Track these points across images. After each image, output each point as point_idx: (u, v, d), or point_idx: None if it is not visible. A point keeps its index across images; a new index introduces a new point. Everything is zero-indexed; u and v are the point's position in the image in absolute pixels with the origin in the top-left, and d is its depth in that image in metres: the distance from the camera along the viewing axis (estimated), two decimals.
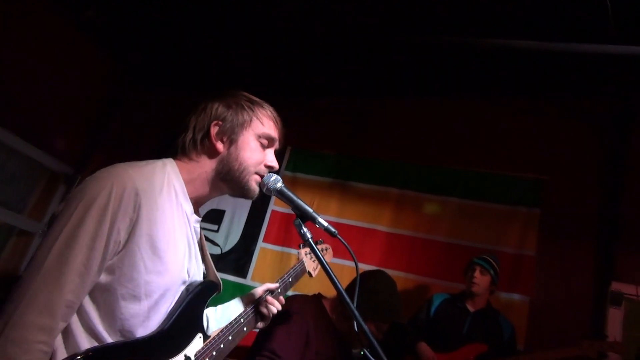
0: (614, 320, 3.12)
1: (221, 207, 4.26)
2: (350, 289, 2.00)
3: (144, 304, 1.09)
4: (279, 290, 1.66)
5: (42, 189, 4.48)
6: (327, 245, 2.17)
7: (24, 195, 4.47)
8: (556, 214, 3.47)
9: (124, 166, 1.12)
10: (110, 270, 1.04)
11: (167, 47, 4.36)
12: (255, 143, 1.30)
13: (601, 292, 3.18)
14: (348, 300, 1.15)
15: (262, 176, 1.30)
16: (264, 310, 1.58)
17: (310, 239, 1.23)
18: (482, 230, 3.60)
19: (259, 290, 1.64)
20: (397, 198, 3.88)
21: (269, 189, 1.30)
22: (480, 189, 3.73)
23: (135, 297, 1.07)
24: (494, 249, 3.43)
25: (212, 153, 1.27)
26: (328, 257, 2.08)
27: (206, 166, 1.27)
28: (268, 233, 4.05)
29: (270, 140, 1.34)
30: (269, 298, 1.60)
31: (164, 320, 1.15)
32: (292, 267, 1.84)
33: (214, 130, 1.27)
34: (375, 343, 1.07)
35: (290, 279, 1.78)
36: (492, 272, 3.04)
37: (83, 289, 1.00)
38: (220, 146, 1.26)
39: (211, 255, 4.11)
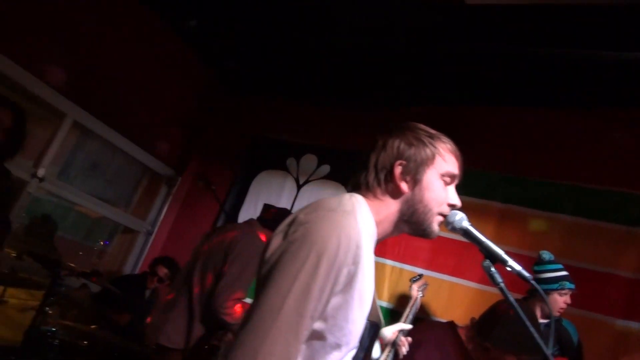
0: None
1: None
2: (488, 320, 1.94)
3: (343, 352, 1.09)
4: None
5: (145, 189, 4.71)
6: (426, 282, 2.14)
7: (128, 194, 4.72)
8: None
9: (345, 212, 1.10)
10: (324, 318, 1.04)
11: (261, 55, 4.45)
12: (439, 182, 1.26)
13: None
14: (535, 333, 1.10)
15: (444, 215, 1.27)
16: (401, 350, 1.57)
17: (502, 284, 1.18)
18: (594, 251, 3.39)
19: (393, 330, 1.63)
20: (499, 213, 3.74)
21: (454, 228, 1.26)
22: (593, 206, 3.51)
23: (339, 346, 1.07)
24: (608, 272, 3.23)
25: (396, 194, 1.24)
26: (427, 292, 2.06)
27: (391, 207, 1.24)
28: None
29: (453, 177, 1.29)
30: (403, 339, 1.59)
31: None
32: (412, 305, 1.84)
33: (397, 170, 1.24)
34: None
35: (411, 317, 1.77)
36: None
37: (305, 338, 1.01)
38: (404, 187, 1.23)
39: None
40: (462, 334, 2.09)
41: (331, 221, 1.05)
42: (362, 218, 1.14)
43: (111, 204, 4.48)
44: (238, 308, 2.45)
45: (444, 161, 1.27)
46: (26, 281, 3.43)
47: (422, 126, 1.34)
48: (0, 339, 3.23)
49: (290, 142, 4.64)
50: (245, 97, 5.05)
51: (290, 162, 4.58)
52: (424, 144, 1.27)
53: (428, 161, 1.25)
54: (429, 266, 3.61)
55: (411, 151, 1.25)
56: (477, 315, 3.36)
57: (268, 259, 1.07)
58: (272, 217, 2.83)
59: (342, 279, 1.03)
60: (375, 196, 1.25)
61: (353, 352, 1.13)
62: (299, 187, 4.47)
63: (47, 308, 2.62)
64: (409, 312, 1.73)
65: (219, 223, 4.53)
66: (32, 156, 3.56)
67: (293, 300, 0.97)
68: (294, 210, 4.36)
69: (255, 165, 4.72)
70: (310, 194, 4.39)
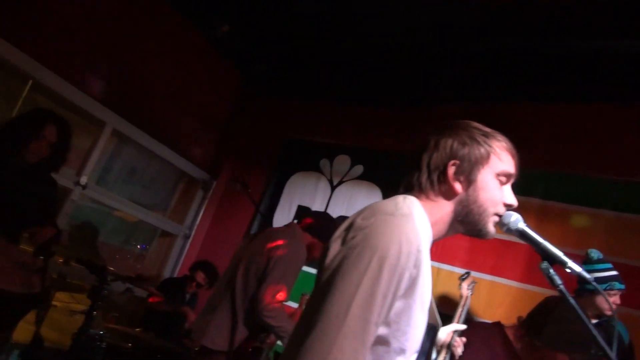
0: None
1: (350, 214, 4.27)
2: (538, 318, 1.90)
3: (407, 357, 1.09)
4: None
5: (181, 193, 4.80)
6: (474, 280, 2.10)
7: (166, 199, 4.82)
8: None
9: (404, 216, 1.08)
10: (387, 324, 1.03)
11: (291, 56, 4.47)
12: (494, 182, 1.22)
13: None
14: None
15: (500, 215, 1.24)
16: (457, 351, 1.55)
17: (562, 286, 1.16)
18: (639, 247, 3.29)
19: (447, 331, 1.60)
20: (539, 209, 3.66)
21: (509, 230, 1.24)
22: (637, 201, 3.41)
23: (403, 351, 1.06)
24: None
25: (450, 194, 1.22)
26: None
27: (445, 208, 1.22)
28: None
29: (509, 177, 1.25)
30: (458, 340, 1.56)
31: None
32: (463, 304, 1.80)
33: (450, 170, 1.21)
34: None
35: (464, 316, 1.74)
36: None
37: (371, 344, 1.00)
38: (458, 187, 1.20)
39: None
40: (510, 333, 2.06)
41: (391, 225, 1.04)
42: (419, 220, 1.12)
43: (149, 208, 4.58)
44: (281, 311, 2.47)
45: (499, 160, 1.23)
46: (72, 286, 3.55)
47: (476, 124, 1.30)
48: (50, 342, 3.34)
49: (323, 143, 4.65)
50: (277, 100, 5.10)
51: (324, 163, 4.59)
52: (478, 143, 1.23)
53: (482, 160, 1.21)
54: (467, 265, 3.56)
55: (465, 150, 1.22)
56: (519, 314, 3.31)
57: (328, 266, 1.06)
58: (313, 221, 2.84)
59: (405, 283, 1.02)
60: (428, 197, 1.23)
61: (415, 356, 1.12)
62: (333, 188, 4.47)
63: (94, 312, 2.69)
64: (461, 311, 1.71)
65: (255, 225, 4.58)
66: (74, 164, 3.67)
67: (358, 306, 0.96)
68: (329, 211, 4.38)
69: (288, 167, 4.75)
70: (344, 194, 4.39)
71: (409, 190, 1.26)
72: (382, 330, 1.02)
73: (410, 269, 1.03)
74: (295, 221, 2.89)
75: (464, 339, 1.60)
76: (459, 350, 1.53)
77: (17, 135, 2.26)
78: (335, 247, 1.09)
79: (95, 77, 3.66)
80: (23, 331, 2.82)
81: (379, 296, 0.98)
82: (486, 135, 1.26)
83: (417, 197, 1.23)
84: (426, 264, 1.09)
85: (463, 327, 1.55)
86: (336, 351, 0.93)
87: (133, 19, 3.81)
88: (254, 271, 2.58)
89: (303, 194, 4.57)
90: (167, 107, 4.27)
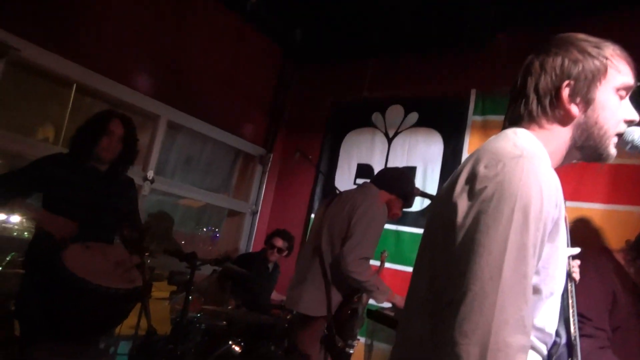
0: None
1: (411, 164, 4.21)
2: None
3: (556, 297, 1.04)
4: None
5: (240, 172, 4.87)
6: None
7: (226, 180, 4.89)
8: None
9: (532, 156, 0.98)
10: (537, 272, 0.97)
11: (323, 19, 4.33)
12: (614, 98, 1.09)
13: None
14: None
15: (621, 134, 1.13)
16: (576, 275, 1.47)
17: None
18: None
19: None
20: None
21: (634, 147, 1.14)
22: None
23: (551, 294, 1.02)
24: None
25: (566, 119, 1.09)
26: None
27: (562, 135, 1.10)
28: None
29: (628, 89, 1.11)
30: (573, 263, 1.47)
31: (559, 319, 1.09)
32: (567, 226, 1.68)
33: (565, 92, 1.08)
34: None
35: (569, 237, 1.62)
36: None
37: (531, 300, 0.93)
38: (575, 110, 1.08)
39: (410, 212, 4.08)
40: (620, 258, 1.97)
41: (524, 169, 0.94)
42: (546, 157, 1.05)
43: (212, 191, 4.68)
44: (366, 266, 2.48)
45: (617, 72, 1.09)
46: (160, 276, 3.71)
47: (582, 35, 1.14)
48: (143, 330, 3.52)
49: (373, 98, 4.54)
50: (319, 65, 5.03)
51: (376, 117, 4.50)
52: (591, 56, 1.08)
53: (599, 75, 1.08)
54: (575, 197, 3.38)
55: (578, 67, 1.08)
56: (609, 236, 3.16)
57: (461, 224, 0.96)
58: (386, 178, 2.81)
59: (549, 227, 0.95)
60: (541, 126, 1.11)
61: (560, 292, 1.06)
62: (390, 140, 4.39)
63: (190, 297, 2.80)
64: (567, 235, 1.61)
65: (318, 190, 4.59)
66: (138, 161, 3.76)
67: (511, 263, 0.89)
68: (389, 164, 4.31)
69: (341, 128, 4.69)
70: (402, 145, 4.30)
71: (517, 122, 1.14)
72: (533, 280, 0.94)
73: (553, 212, 0.95)
74: (370, 181, 2.86)
75: (578, 262, 1.51)
76: (577, 275, 1.46)
77: (88, 136, 2.33)
78: (462, 203, 0.98)
79: (142, 73, 3.70)
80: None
81: (530, 247, 0.90)
82: (598, 45, 1.10)
83: (528, 128, 1.12)
84: (562, 200, 1.01)
85: (577, 250, 1.44)
86: (499, 315, 0.86)
87: (169, 12, 3.83)
88: (337, 234, 2.59)
89: (360, 151, 4.52)
90: (215, 90, 4.29)
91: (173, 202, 5.02)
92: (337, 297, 2.56)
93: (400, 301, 2.49)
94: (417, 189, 2.47)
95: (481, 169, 0.99)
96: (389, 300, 2.52)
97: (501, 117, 3.97)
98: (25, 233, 3.37)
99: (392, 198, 2.74)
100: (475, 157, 1.04)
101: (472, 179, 0.99)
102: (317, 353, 2.52)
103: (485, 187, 0.95)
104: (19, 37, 2.95)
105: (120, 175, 2.49)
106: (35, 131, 3.91)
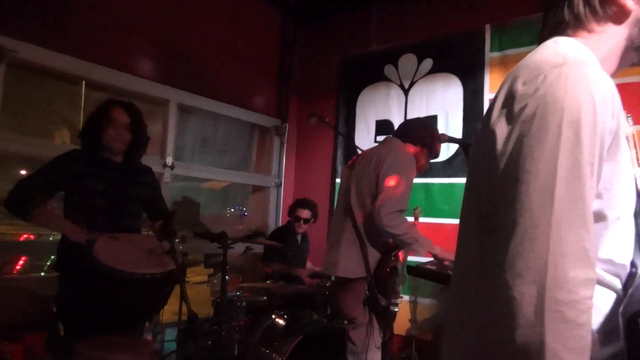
0: None
1: (431, 113, 4.06)
2: None
3: (627, 221, 0.90)
4: None
5: (258, 146, 4.79)
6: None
7: (245, 156, 4.82)
8: None
9: (578, 61, 0.85)
10: (598, 195, 0.84)
11: None
12: None
13: None
14: None
15: None
16: None
17: None
18: None
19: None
20: None
21: None
22: None
23: (619, 219, 0.88)
24: None
25: (620, 16, 0.95)
26: None
27: (616, 36, 0.96)
28: None
29: None
30: None
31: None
32: (634, 144, 1.55)
33: None
34: None
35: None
36: None
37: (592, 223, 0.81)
38: (630, 4, 0.93)
39: (436, 162, 3.95)
40: None
41: (568, 77, 0.82)
42: (594, 62, 0.90)
43: (233, 169, 4.63)
44: (401, 219, 2.39)
45: None
46: (195, 261, 3.71)
47: None
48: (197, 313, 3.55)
49: (382, 50, 4.36)
50: (321, 23, 4.84)
51: (389, 69, 4.33)
52: None
53: None
54: None
55: None
56: None
57: (502, 152, 0.85)
58: (409, 130, 2.70)
59: (607, 141, 0.83)
60: (590, 30, 0.97)
61: (630, 216, 0.93)
62: (406, 91, 4.23)
63: (227, 277, 2.77)
64: (637, 152, 1.48)
65: (339, 153, 4.49)
66: (154, 149, 3.71)
67: (563, 186, 0.77)
68: (409, 116, 4.16)
69: (353, 86, 4.54)
70: (420, 94, 4.13)
71: (558, 31, 1.00)
72: (595, 205, 0.82)
73: (610, 122, 0.82)
74: (392, 135, 2.75)
75: None
76: None
77: (93, 128, 2.27)
78: (501, 127, 0.87)
79: (144, 58, 3.61)
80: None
81: (585, 166, 0.79)
82: None
83: (574, 35, 0.98)
84: (620, 110, 0.88)
85: None
86: (555, 247, 0.75)
87: None
88: (367, 192, 2.51)
89: (377, 107, 4.38)
90: (220, 65, 4.18)
91: (196, 186, 4.99)
92: (374, 256, 2.49)
93: (442, 252, 2.41)
94: (444, 135, 2.34)
95: (519, 87, 0.86)
96: (429, 252, 2.44)
97: (521, 51, 3.78)
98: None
99: (417, 150, 2.63)
100: (513, 76, 0.91)
101: (509, 99, 0.87)
102: (361, 315, 2.48)
103: (525, 105, 0.83)
104: (12, 39, 2.87)
105: (137, 164, 2.43)
106: (52, 133, 3.89)
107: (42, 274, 4.05)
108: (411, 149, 2.62)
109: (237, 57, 4.30)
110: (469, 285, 0.95)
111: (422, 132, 2.67)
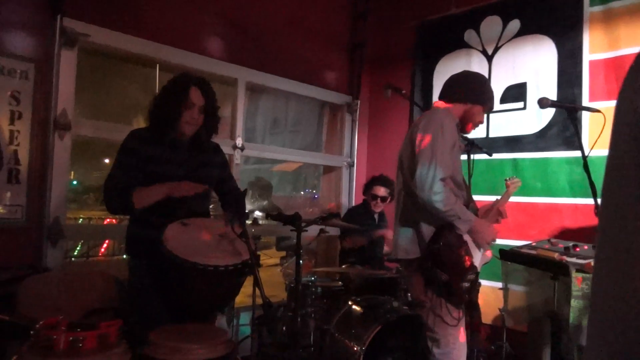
0: None
1: (519, 81, 3.66)
2: None
3: None
4: None
5: (329, 125, 4.61)
6: None
7: (316, 136, 4.67)
8: None
9: None
10: None
11: None
12: None
13: None
14: None
15: None
16: None
17: None
18: None
19: None
20: None
21: None
22: None
23: None
24: None
25: None
26: None
27: None
28: (592, 90, 3.29)
29: None
30: None
31: None
32: None
33: None
34: None
35: None
36: None
37: None
38: None
39: (526, 135, 3.55)
40: None
41: None
42: None
43: (306, 149, 4.49)
44: (446, 191, 2.10)
45: None
46: (267, 244, 3.63)
47: None
48: (271, 297, 3.48)
49: (462, 13, 3.98)
50: None
51: (469, 34, 3.95)
52: None
53: None
54: None
55: None
56: None
57: None
58: (450, 87, 2.43)
59: None
60: None
61: None
62: (489, 58, 3.84)
63: (301, 261, 2.64)
64: None
65: None
66: (224, 132, 3.64)
67: None
68: (493, 86, 3.77)
69: (431, 55, 4.22)
70: (506, 60, 3.74)
71: None
72: None
73: None
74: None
75: None
76: None
77: (169, 111, 2.14)
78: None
79: (212, 37, 3.53)
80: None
81: None
82: None
83: None
84: None
85: None
86: None
87: None
88: (407, 167, 2.30)
89: None
90: (290, 44, 4.03)
91: (267, 169, 4.93)
92: (428, 232, 2.23)
93: (481, 227, 2.21)
94: (546, 99, 2.00)
95: None
96: (471, 229, 2.18)
97: (629, 2, 3.28)
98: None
99: (466, 107, 2.34)
100: None
101: None
102: (428, 297, 2.26)
103: None
104: (85, 22, 2.87)
105: (205, 144, 2.31)
106: (129, 118, 3.94)
107: (125, 256, 4.19)
108: (460, 109, 2.34)
109: (305, 30, 4.12)
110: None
111: (467, 85, 2.37)
